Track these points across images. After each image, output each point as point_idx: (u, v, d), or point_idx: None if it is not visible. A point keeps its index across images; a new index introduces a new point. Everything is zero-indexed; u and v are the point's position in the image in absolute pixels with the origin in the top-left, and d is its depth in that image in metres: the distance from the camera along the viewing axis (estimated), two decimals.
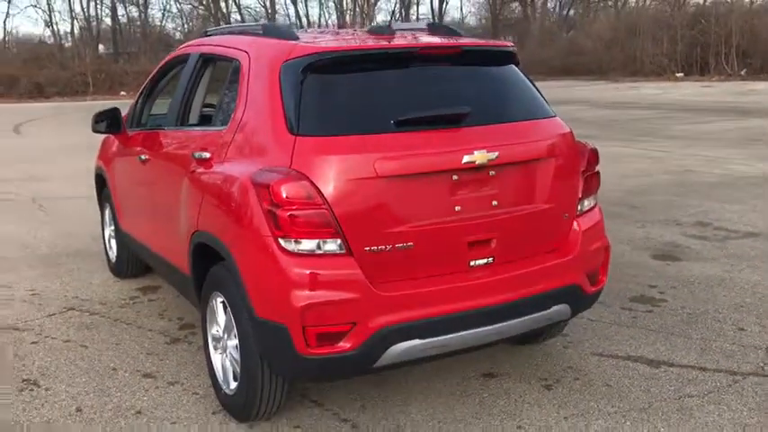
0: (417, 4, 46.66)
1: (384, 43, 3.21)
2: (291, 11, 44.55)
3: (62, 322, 4.61)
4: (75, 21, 37.91)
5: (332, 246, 2.83)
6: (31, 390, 3.67)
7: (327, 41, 3.36)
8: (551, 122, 3.42)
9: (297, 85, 3.00)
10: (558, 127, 3.43)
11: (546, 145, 3.27)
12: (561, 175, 3.32)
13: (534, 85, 3.54)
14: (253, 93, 3.22)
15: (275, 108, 3.02)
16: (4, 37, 38.77)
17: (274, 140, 2.98)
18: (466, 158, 2.97)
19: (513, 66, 3.50)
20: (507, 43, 3.57)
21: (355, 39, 3.49)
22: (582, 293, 3.39)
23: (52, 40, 37.55)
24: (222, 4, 42.51)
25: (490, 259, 3.12)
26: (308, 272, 2.81)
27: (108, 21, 40.88)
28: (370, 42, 3.26)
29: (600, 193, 3.61)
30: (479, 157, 2.99)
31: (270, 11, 42.08)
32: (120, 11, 41.51)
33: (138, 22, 41.03)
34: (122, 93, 30.22)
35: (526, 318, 3.20)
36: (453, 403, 3.46)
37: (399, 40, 3.31)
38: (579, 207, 3.42)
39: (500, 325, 3.12)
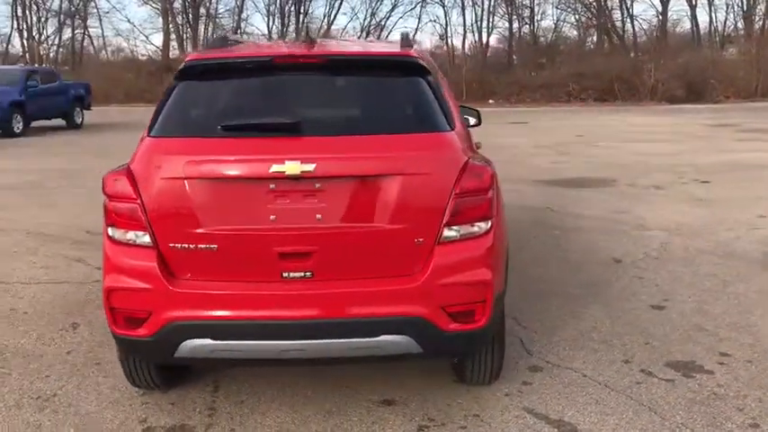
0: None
1: (247, 52, 3.30)
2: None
3: None
4: (468, 33, 40.96)
5: (142, 238, 3.08)
6: (66, 331, 4.58)
7: (219, 52, 3.55)
8: (427, 138, 3.10)
9: (171, 90, 3.30)
10: (436, 144, 3.10)
11: (394, 161, 2.99)
12: (417, 196, 3.01)
13: (437, 98, 3.23)
14: None
15: (157, 111, 3.36)
16: None
17: (140, 140, 3.33)
18: (274, 168, 2.93)
19: (415, 77, 3.25)
20: (403, 52, 3.31)
21: (246, 48, 3.60)
22: (434, 329, 3.02)
23: (445, 51, 41.08)
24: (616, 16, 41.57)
25: (308, 273, 3.02)
26: (116, 259, 3.12)
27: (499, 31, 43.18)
28: (245, 52, 3.38)
29: None
30: (290, 167, 2.92)
31: (661, 19, 39.86)
32: (516, 24, 43.41)
33: (528, 34, 42.38)
34: (491, 101, 31.83)
35: (345, 341, 3.01)
36: (314, 420, 3.39)
37: (272, 50, 3.36)
38: (448, 233, 3.05)
39: (310, 342, 3.01)
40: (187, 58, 3.33)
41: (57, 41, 41.74)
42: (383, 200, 3.00)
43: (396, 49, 3.43)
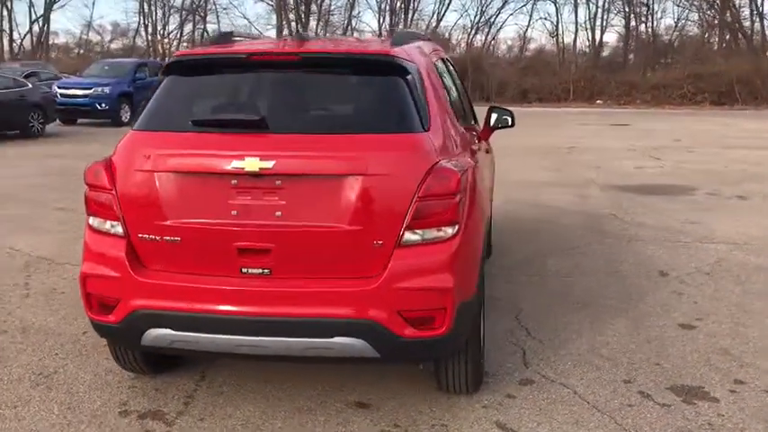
0: None
1: (227, 49, 3.33)
2: None
3: None
4: (580, 31, 39.81)
5: (115, 228, 3.18)
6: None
7: (207, 48, 3.59)
8: (393, 139, 3.03)
9: (158, 85, 3.40)
10: (402, 145, 3.02)
11: (355, 161, 2.93)
12: (378, 197, 2.95)
13: (414, 98, 3.14)
14: None
15: (143, 105, 3.46)
16: (522, 45, 42.77)
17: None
18: (234, 164, 2.96)
19: (390, 76, 3.17)
20: (380, 51, 3.23)
21: (232, 45, 3.61)
22: (389, 334, 2.95)
23: (555, 49, 40.06)
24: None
25: (266, 270, 3.02)
26: (93, 246, 3.24)
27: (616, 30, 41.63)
28: (227, 49, 3.40)
29: None
30: (249, 163, 2.94)
31: None
32: (633, 21, 41.70)
33: (645, 34, 40.58)
34: (598, 101, 30.79)
35: (299, 340, 3.00)
36: (284, 418, 3.39)
37: (252, 47, 3.37)
38: (409, 237, 2.96)
39: (264, 339, 3.01)
40: (175, 54, 3.41)
41: (178, 36, 43.92)
42: (343, 200, 2.95)
43: (379, 47, 3.37)
